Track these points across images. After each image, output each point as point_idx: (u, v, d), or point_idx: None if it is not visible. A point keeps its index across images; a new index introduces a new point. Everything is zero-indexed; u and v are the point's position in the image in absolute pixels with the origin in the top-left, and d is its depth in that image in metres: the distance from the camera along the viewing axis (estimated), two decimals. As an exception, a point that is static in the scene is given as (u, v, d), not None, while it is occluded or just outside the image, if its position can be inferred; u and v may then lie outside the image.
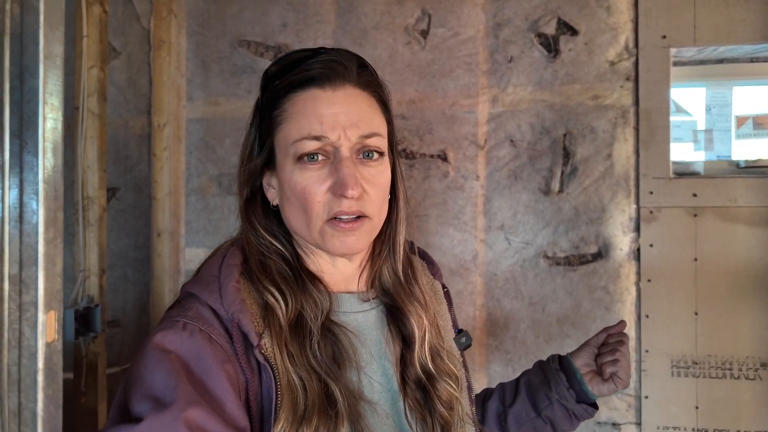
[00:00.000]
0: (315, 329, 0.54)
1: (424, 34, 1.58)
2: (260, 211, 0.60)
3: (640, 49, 1.46)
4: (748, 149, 1.67)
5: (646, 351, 1.44)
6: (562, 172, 1.51)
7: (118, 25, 1.73)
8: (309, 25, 1.65)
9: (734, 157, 1.67)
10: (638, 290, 1.46)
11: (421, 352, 0.59)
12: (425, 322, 0.60)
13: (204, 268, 0.58)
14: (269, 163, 0.58)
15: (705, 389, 1.41)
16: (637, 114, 1.47)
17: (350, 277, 0.61)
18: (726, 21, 1.43)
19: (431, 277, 0.70)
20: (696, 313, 1.43)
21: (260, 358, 0.51)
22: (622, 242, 1.47)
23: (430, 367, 0.59)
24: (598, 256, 1.48)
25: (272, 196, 0.59)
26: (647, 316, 1.44)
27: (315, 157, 0.54)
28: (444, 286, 0.71)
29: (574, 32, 1.51)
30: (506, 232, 1.54)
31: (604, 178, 1.48)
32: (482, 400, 0.81)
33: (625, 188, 1.47)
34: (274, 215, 0.60)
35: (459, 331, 0.69)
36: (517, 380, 0.81)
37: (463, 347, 0.68)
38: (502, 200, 1.54)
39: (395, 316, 0.61)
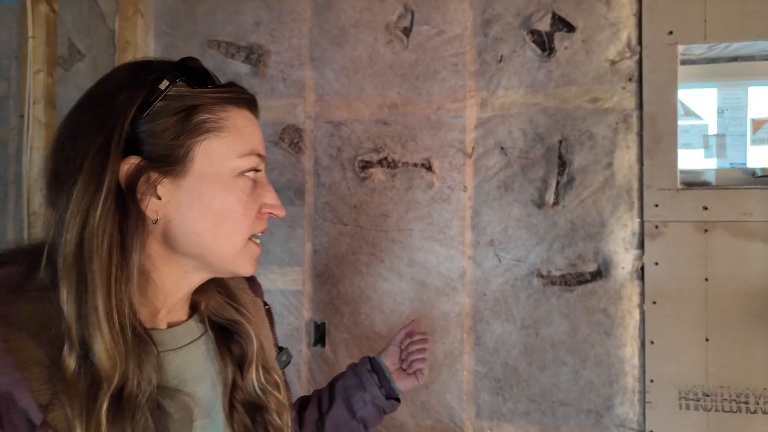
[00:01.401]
0: (144, 402, 0.44)
1: (407, 32, 1.46)
2: (123, 227, 0.47)
3: (644, 46, 1.32)
4: (764, 155, 1.52)
5: (651, 381, 1.30)
6: (558, 183, 1.37)
7: (83, 26, 1.62)
8: (284, 24, 1.53)
9: (749, 165, 1.52)
10: (642, 313, 1.32)
11: (257, 375, 0.58)
12: (254, 341, 0.59)
13: None
14: (168, 168, 0.48)
15: (717, 424, 1.27)
16: (640, 118, 1.33)
17: (182, 305, 0.56)
18: (740, 15, 1.28)
19: (252, 295, 0.67)
20: (707, 340, 1.28)
21: None
22: (624, 260, 1.33)
23: (260, 392, 0.58)
24: (598, 275, 1.35)
25: (155, 207, 0.48)
26: (652, 342, 1.30)
27: (254, 176, 0.54)
28: (265, 304, 0.69)
29: (570, 29, 1.37)
30: (496, 248, 1.41)
31: (604, 189, 1.35)
32: (298, 409, 0.82)
33: (628, 201, 1.33)
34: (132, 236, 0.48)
35: (280, 349, 0.68)
36: (332, 386, 0.85)
37: (284, 365, 0.67)
38: (492, 213, 1.41)
39: (224, 340, 0.58)
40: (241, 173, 0.52)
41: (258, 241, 0.55)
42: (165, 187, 0.48)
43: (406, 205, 1.45)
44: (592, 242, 1.35)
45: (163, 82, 0.48)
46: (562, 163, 1.37)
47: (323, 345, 1.49)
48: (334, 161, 1.49)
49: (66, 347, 0.41)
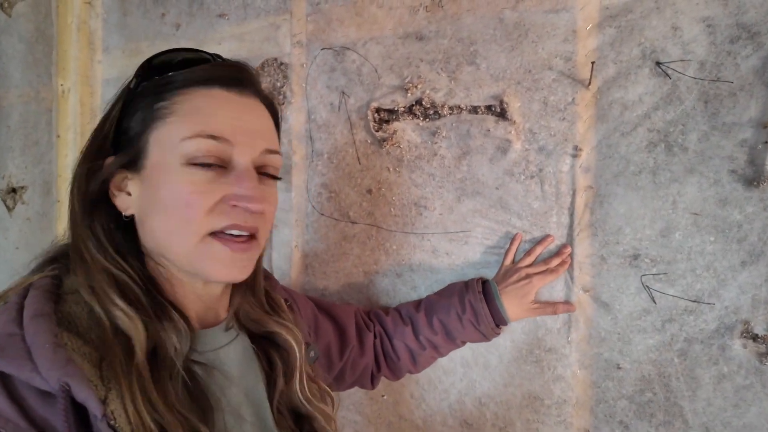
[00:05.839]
0: (179, 366, 0.45)
1: None
2: (106, 221, 0.48)
3: None
4: None
5: None
6: (798, 130, 0.61)
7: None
8: None
9: None
10: None
11: (301, 386, 0.54)
12: (297, 353, 0.55)
13: None
14: (131, 163, 0.47)
15: None
16: None
17: (213, 306, 0.53)
18: None
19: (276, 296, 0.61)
20: None
21: None
22: None
23: (305, 403, 0.54)
24: None
25: (125, 204, 0.48)
26: None
27: (208, 162, 0.46)
28: (286, 300, 0.62)
29: None
30: (645, 271, 0.68)
31: None
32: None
33: None
34: (118, 229, 0.49)
35: (306, 345, 0.60)
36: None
37: (312, 361, 0.60)
38: (635, 200, 0.69)
39: (263, 347, 0.55)
40: (189, 161, 0.45)
41: (237, 236, 0.47)
42: (133, 183, 0.47)
43: (457, 186, 0.78)
44: None
45: (132, 81, 0.48)
46: (809, 86, 0.60)
47: (319, 427, 0.89)
48: (336, 114, 0.87)
49: (111, 309, 0.43)
